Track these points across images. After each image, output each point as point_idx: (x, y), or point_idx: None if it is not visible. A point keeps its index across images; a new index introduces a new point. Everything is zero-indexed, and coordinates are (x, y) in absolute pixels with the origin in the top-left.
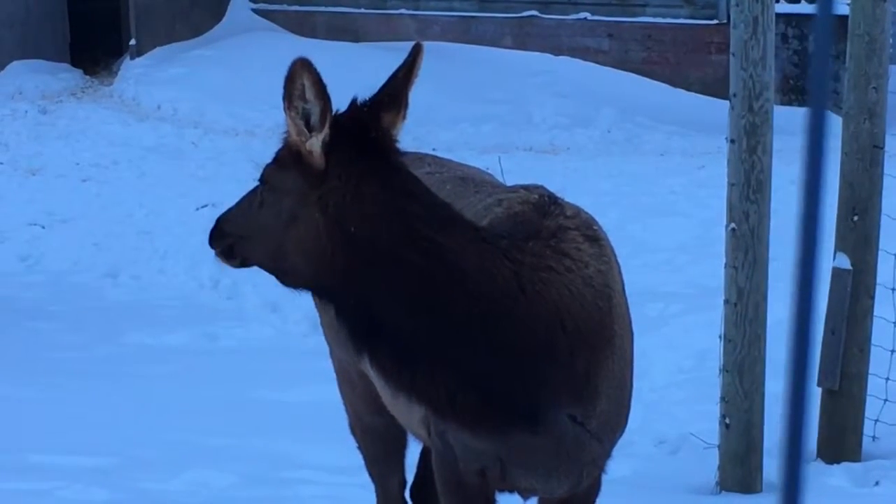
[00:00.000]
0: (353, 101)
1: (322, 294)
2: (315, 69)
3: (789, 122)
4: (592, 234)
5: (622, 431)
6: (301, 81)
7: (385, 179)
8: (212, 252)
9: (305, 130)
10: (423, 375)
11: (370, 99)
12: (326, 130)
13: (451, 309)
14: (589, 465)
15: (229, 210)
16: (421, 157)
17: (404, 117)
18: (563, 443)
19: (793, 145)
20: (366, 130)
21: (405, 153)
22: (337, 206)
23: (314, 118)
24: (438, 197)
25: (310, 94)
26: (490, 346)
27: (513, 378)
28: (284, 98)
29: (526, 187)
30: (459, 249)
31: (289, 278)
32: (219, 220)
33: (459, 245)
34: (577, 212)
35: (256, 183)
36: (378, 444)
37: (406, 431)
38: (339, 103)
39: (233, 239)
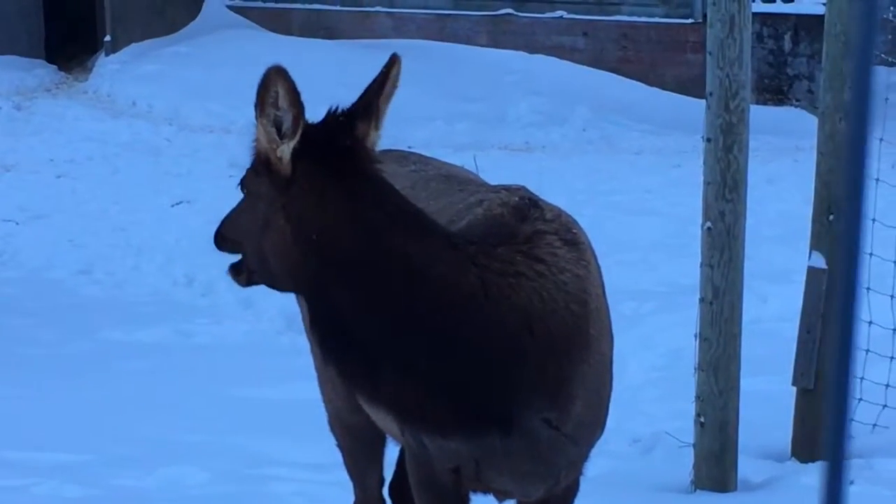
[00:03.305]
0: (328, 111)
1: (303, 299)
2: (289, 77)
3: (764, 122)
4: (571, 238)
5: (600, 433)
6: (275, 89)
7: (350, 188)
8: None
9: (276, 138)
10: (391, 384)
11: (346, 108)
12: (298, 138)
13: (415, 316)
14: (566, 468)
15: (229, 213)
16: (406, 156)
17: (377, 128)
18: (538, 446)
19: (768, 144)
20: (335, 139)
21: (390, 151)
22: (300, 214)
23: (286, 125)
24: (410, 203)
25: (283, 101)
26: (457, 352)
27: (482, 384)
28: (257, 105)
29: (508, 188)
30: (424, 256)
31: (276, 282)
32: (221, 222)
33: (425, 252)
34: (558, 215)
35: (226, 192)
36: (357, 441)
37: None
38: (315, 100)
39: (231, 245)
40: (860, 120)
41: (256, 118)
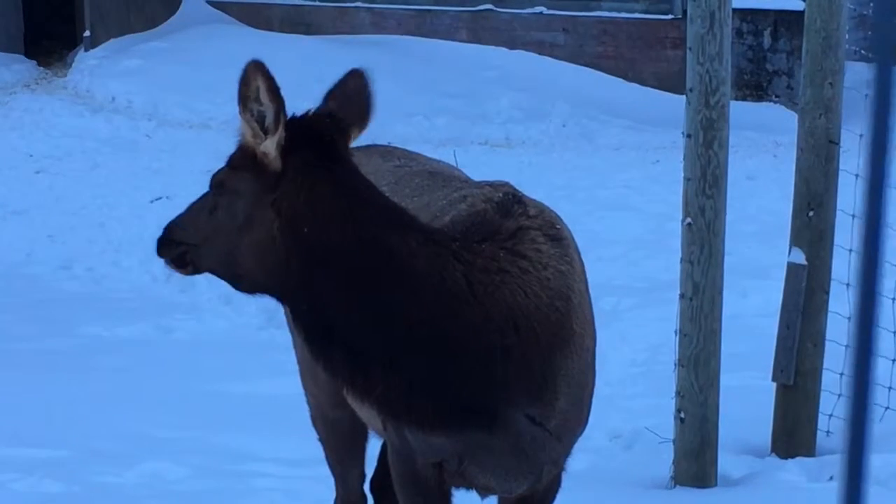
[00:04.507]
0: (313, 109)
1: (277, 298)
2: (268, 71)
3: (744, 118)
4: (555, 234)
5: (583, 429)
6: (255, 84)
7: (339, 183)
8: (162, 259)
9: (261, 132)
10: (377, 380)
11: (329, 105)
12: (281, 132)
13: (400, 312)
14: (548, 465)
15: (178, 218)
16: (390, 151)
17: (362, 128)
18: (521, 443)
19: (748, 140)
20: (321, 134)
21: (374, 146)
22: (292, 209)
23: (268, 120)
24: (391, 199)
25: (264, 96)
26: (442, 348)
27: (467, 380)
28: (239, 101)
29: (492, 184)
30: (408, 252)
31: (243, 283)
32: (167, 229)
33: (409, 248)
34: (541, 210)
35: (206, 189)
36: (339, 436)
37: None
38: (295, 96)
39: (185, 247)
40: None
41: (240, 113)
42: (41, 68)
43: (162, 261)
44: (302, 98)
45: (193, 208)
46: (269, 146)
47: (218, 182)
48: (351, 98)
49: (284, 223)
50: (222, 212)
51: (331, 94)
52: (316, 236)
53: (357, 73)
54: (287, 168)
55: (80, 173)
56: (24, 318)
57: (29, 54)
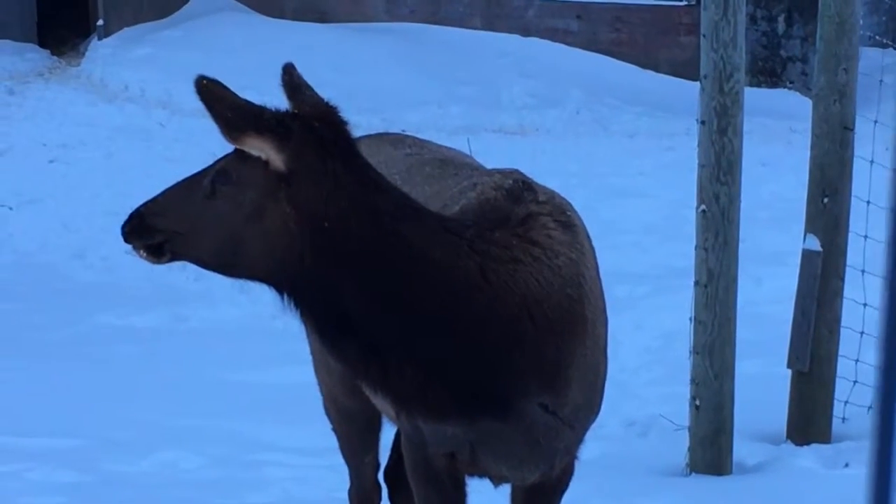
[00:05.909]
0: (316, 101)
1: (276, 286)
2: (206, 92)
3: (758, 104)
4: (565, 220)
5: (595, 417)
6: (207, 105)
7: (357, 175)
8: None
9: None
10: (392, 371)
11: (307, 102)
12: (257, 140)
13: (416, 302)
14: (561, 453)
15: (152, 204)
16: (402, 139)
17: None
18: (534, 431)
19: (762, 127)
20: (330, 127)
21: (385, 134)
22: (311, 202)
23: (223, 135)
24: (401, 189)
25: (211, 117)
26: (457, 338)
27: (481, 370)
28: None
29: (501, 171)
30: (424, 242)
31: (235, 271)
32: (139, 215)
33: (424, 237)
34: (551, 196)
35: (188, 175)
36: (352, 425)
37: (381, 414)
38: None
39: (164, 235)
40: None
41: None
42: (54, 57)
43: (129, 247)
44: (315, 86)
45: (174, 194)
46: (252, 151)
47: (222, 169)
48: (305, 92)
49: (302, 218)
50: (224, 200)
51: (293, 97)
52: (336, 231)
53: (288, 68)
54: (301, 163)
55: (94, 162)
56: (38, 307)
57: (42, 43)
